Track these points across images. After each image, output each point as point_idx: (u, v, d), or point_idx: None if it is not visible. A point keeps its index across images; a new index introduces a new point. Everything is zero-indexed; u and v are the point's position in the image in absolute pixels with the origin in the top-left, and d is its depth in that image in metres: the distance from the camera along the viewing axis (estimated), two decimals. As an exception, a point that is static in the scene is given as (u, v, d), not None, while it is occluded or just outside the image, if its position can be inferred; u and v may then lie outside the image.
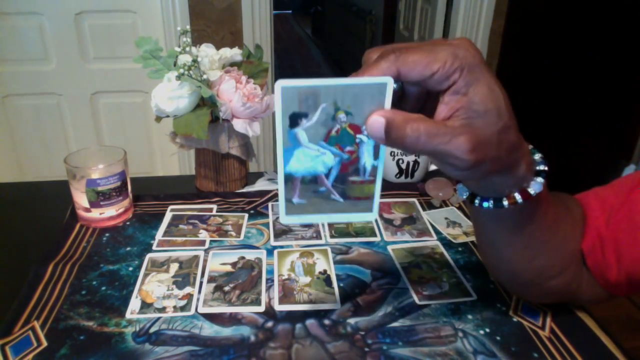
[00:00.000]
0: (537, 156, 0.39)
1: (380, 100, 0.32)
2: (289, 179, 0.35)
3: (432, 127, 0.31)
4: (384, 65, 0.32)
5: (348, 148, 0.34)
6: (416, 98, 0.36)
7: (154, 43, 0.70)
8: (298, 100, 0.32)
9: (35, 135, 1.93)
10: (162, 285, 0.55)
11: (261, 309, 0.52)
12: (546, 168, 0.38)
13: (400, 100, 0.36)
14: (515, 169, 0.36)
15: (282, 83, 0.31)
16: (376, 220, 0.69)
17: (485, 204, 0.39)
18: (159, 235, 0.65)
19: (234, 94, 0.71)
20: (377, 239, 0.65)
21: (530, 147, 0.39)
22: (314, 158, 0.35)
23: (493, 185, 0.37)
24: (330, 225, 0.68)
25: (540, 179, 0.38)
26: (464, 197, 0.41)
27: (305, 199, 0.36)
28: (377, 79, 0.31)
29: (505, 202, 0.38)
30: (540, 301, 0.52)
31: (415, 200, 0.76)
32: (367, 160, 0.35)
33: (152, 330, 0.49)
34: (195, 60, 0.68)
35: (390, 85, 0.31)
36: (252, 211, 0.72)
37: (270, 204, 0.73)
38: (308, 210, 0.36)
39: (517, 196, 0.37)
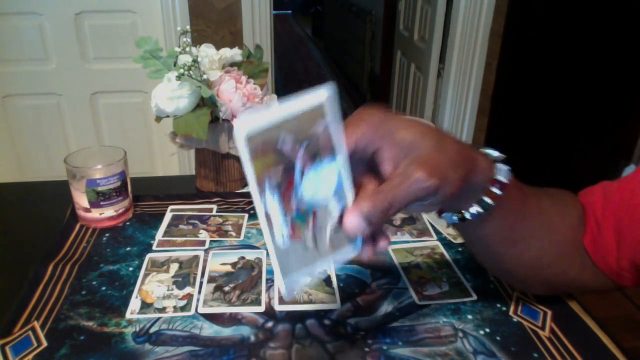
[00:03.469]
0: (489, 150, 0.41)
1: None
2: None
3: (390, 185, 0.34)
4: None
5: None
6: (367, 171, 0.38)
7: (154, 43, 0.70)
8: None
9: (35, 135, 1.92)
10: (162, 285, 0.55)
11: (261, 309, 0.52)
12: (504, 156, 0.40)
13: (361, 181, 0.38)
14: (476, 163, 0.38)
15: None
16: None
17: (474, 213, 0.40)
18: (159, 235, 0.65)
19: (234, 94, 0.71)
20: (377, 239, 0.65)
21: (482, 149, 0.41)
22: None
23: (469, 190, 0.39)
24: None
25: (503, 166, 0.40)
26: (455, 220, 0.42)
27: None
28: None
29: (488, 199, 0.39)
30: (545, 293, 0.53)
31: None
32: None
33: (152, 330, 0.49)
34: (195, 60, 0.68)
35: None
36: (252, 211, 0.72)
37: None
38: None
39: (494, 189, 0.39)
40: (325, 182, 0.33)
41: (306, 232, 0.33)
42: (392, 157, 0.35)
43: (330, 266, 0.35)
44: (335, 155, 0.32)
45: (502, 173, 0.39)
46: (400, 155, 0.35)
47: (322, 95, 0.31)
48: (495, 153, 0.41)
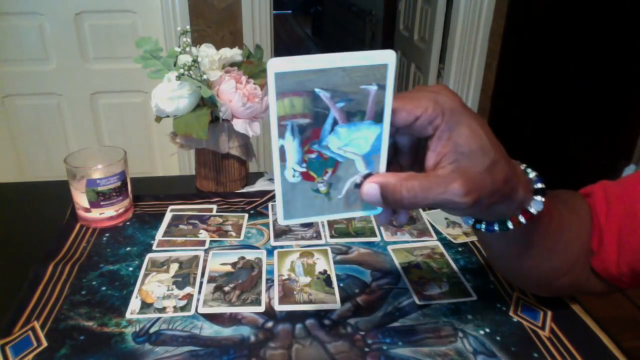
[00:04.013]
0: (532, 175, 0.40)
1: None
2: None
3: (425, 181, 0.33)
4: None
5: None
6: (409, 151, 0.37)
7: (154, 43, 0.70)
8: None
9: (35, 135, 1.92)
10: (162, 286, 0.55)
11: (261, 309, 0.52)
12: (543, 186, 0.39)
13: (394, 155, 0.37)
14: (514, 194, 0.37)
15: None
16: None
17: (491, 229, 0.40)
18: (159, 235, 0.65)
19: (234, 94, 0.71)
20: (377, 239, 0.65)
21: (524, 166, 0.40)
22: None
23: (496, 213, 0.38)
24: (331, 225, 0.68)
25: (539, 198, 0.38)
26: (470, 224, 0.42)
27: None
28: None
29: (510, 225, 0.39)
30: (553, 296, 0.53)
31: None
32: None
33: (152, 330, 0.49)
34: (195, 61, 0.68)
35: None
36: (252, 211, 0.72)
37: (270, 204, 0.73)
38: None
39: (521, 218, 0.38)
40: (358, 142, 0.32)
41: (320, 179, 0.33)
42: (441, 153, 0.34)
43: (337, 217, 0.35)
44: (380, 121, 0.31)
45: (535, 204, 0.38)
46: (450, 156, 0.33)
47: (388, 56, 0.29)
48: (539, 184, 0.39)
